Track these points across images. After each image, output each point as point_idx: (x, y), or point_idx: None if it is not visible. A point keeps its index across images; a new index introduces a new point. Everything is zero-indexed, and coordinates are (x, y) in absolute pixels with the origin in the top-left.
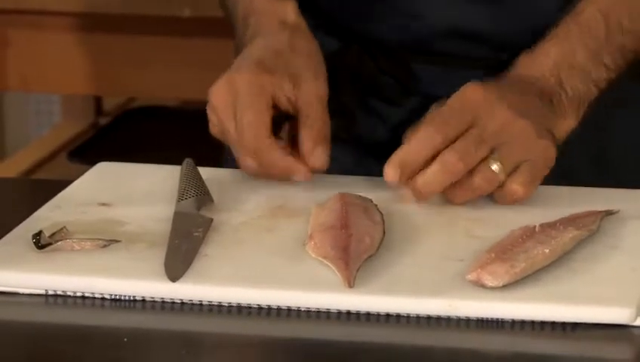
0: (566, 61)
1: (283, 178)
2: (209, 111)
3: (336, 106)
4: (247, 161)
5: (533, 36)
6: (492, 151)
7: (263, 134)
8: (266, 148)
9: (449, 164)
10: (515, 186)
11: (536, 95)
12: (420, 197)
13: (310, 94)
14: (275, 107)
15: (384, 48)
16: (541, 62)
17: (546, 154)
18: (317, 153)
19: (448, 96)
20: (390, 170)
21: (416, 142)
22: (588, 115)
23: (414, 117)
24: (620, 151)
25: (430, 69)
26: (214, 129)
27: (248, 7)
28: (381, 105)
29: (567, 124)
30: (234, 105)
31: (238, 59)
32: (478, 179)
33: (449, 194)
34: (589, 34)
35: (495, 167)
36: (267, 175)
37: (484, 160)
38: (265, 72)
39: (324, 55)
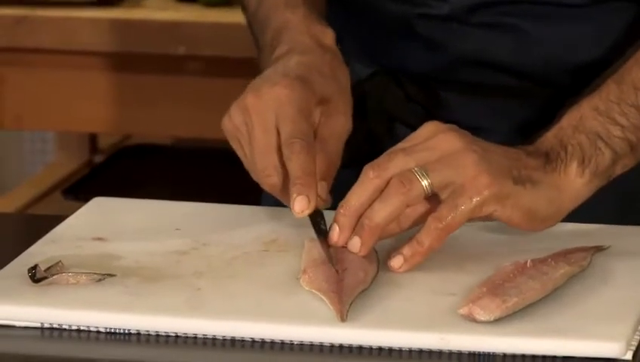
0: (571, 125)
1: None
2: (236, 109)
3: (364, 133)
4: (272, 170)
5: (557, 67)
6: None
7: (310, 147)
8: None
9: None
10: (441, 211)
11: (520, 149)
12: (370, 233)
13: (335, 129)
14: None
15: (411, 76)
16: (547, 129)
17: (477, 180)
18: (320, 187)
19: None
20: (333, 229)
21: (354, 188)
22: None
23: None
24: None
25: (456, 97)
26: (229, 125)
27: (281, 24)
28: (408, 133)
29: (572, 182)
30: (272, 112)
31: (271, 71)
32: (395, 182)
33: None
34: (599, 97)
35: (424, 182)
36: (283, 190)
37: None
38: (306, 86)
39: (354, 81)
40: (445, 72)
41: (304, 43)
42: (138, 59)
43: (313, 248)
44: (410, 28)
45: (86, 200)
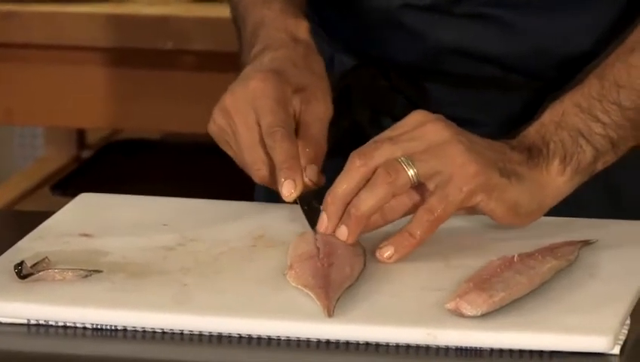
0: (553, 121)
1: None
2: (217, 112)
3: (349, 124)
4: (260, 164)
5: (543, 59)
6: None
7: (291, 134)
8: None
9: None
10: (432, 202)
11: (504, 143)
12: (357, 221)
13: (316, 114)
14: None
15: (397, 67)
16: (530, 124)
17: (465, 170)
18: (309, 170)
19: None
20: (321, 218)
21: (340, 176)
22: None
23: None
24: (632, 181)
25: (442, 89)
26: (215, 128)
27: (258, 20)
28: (393, 124)
29: (553, 180)
30: (251, 108)
31: (248, 69)
32: (381, 172)
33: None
34: (581, 93)
35: (410, 172)
36: (273, 180)
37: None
38: (281, 78)
39: (340, 73)
40: (429, 62)
41: (279, 39)
42: (127, 53)
43: (300, 243)
44: (394, 18)
45: (74, 195)
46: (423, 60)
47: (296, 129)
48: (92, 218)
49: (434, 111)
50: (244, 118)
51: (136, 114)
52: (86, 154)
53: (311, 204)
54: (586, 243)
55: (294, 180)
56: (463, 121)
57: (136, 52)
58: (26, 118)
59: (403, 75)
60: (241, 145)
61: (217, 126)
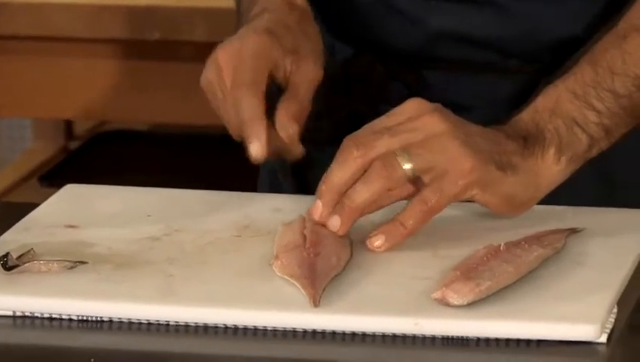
0: (547, 108)
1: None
2: (209, 65)
3: (348, 112)
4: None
5: (539, 43)
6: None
7: (254, 92)
8: (249, 103)
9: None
10: (426, 194)
11: (499, 131)
12: (350, 213)
13: (305, 75)
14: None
15: (394, 54)
16: (523, 109)
17: (461, 164)
18: (289, 126)
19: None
20: (315, 205)
21: (337, 164)
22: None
23: None
24: (626, 167)
25: (439, 75)
26: (205, 81)
27: None
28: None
29: (548, 168)
30: (238, 64)
31: (244, 28)
32: (377, 165)
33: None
34: (574, 79)
35: (407, 166)
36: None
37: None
38: (273, 38)
39: (338, 61)
40: (426, 48)
41: (274, 2)
42: (114, 44)
43: (286, 233)
44: (390, 4)
45: (62, 186)
46: (420, 47)
47: (285, 89)
48: (77, 209)
49: (431, 98)
50: (232, 73)
51: (124, 105)
52: (74, 145)
53: (285, 162)
54: (573, 231)
55: (260, 140)
56: (459, 106)
57: (123, 43)
58: (13, 109)
59: (400, 62)
60: (228, 101)
61: (207, 79)
